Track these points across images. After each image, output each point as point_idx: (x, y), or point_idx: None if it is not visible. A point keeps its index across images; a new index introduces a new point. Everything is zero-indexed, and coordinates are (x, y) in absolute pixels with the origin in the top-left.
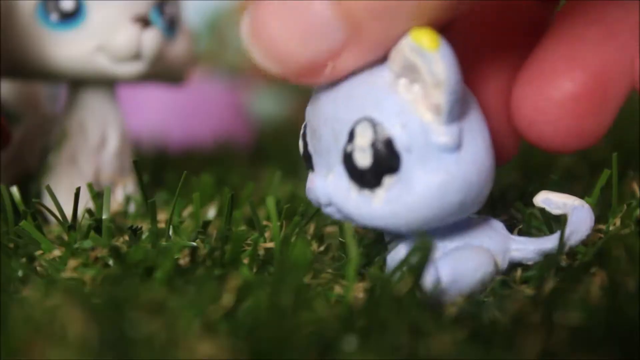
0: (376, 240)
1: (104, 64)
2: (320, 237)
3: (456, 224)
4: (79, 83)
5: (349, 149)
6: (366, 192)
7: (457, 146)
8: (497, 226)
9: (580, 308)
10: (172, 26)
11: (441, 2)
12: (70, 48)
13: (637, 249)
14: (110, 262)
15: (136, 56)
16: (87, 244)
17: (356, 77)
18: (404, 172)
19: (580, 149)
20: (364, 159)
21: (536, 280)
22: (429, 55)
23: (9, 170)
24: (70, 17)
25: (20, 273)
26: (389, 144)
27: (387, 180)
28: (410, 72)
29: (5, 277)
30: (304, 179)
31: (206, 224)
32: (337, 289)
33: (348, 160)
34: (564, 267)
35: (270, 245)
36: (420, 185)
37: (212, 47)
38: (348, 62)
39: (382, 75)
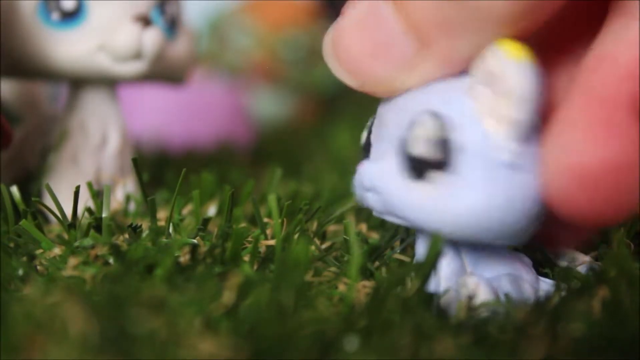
0: (380, 239)
1: (105, 64)
2: (322, 235)
3: (503, 253)
4: (80, 82)
5: (406, 136)
6: (412, 182)
7: (514, 166)
8: (528, 262)
9: (582, 320)
10: (173, 26)
11: (506, 16)
12: (71, 47)
13: (634, 271)
14: (111, 260)
15: (137, 56)
16: (87, 242)
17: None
18: (454, 173)
19: (614, 221)
20: (417, 148)
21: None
22: (511, 64)
23: (9, 170)
24: (71, 17)
25: (20, 272)
26: (445, 141)
27: (434, 175)
28: (490, 80)
29: (6, 276)
30: (306, 178)
31: (206, 221)
32: (340, 288)
33: (402, 146)
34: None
35: (271, 242)
36: (466, 191)
37: (213, 48)
38: (420, 75)
39: (461, 79)
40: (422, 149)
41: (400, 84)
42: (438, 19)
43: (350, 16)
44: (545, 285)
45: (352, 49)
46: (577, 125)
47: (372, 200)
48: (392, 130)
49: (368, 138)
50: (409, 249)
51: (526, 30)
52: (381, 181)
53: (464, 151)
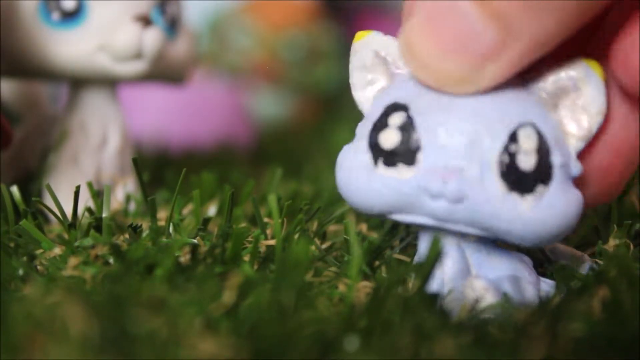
0: (380, 239)
1: (105, 64)
2: (322, 235)
3: (506, 254)
4: (80, 82)
5: (512, 149)
6: (516, 195)
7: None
8: (529, 263)
9: (583, 320)
10: (173, 26)
11: None
12: (71, 47)
13: (634, 271)
14: (111, 260)
15: (137, 55)
16: (88, 242)
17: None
18: (552, 186)
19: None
20: (527, 162)
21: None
22: (599, 83)
23: (9, 170)
24: (72, 17)
25: (21, 272)
26: (548, 154)
27: (540, 189)
28: (561, 94)
29: (6, 276)
30: (306, 178)
31: (207, 221)
32: (340, 288)
33: (507, 159)
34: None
35: (271, 242)
36: (562, 202)
37: (213, 48)
38: (507, 65)
39: (530, 91)
40: (533, 163)
41: (484, 77)
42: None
43: (419, 13)
44: (546, 285)
45: (429, 46)
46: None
47: (436, 208)
48: (474, 139)
49: (408, 141)
50: (409, 248)
51: (588, 20)
52: (478, 194)
53: (560, 165)
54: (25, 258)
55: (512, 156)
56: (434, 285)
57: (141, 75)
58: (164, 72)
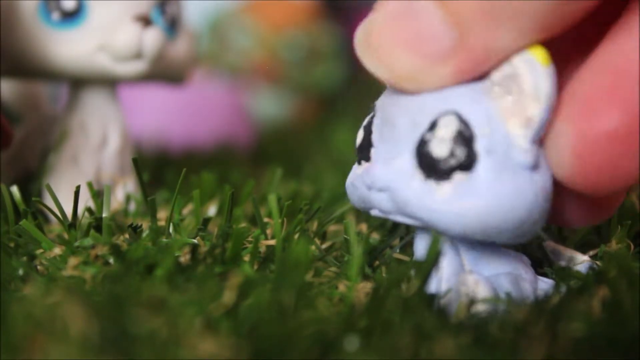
0: (380, 239)
1: (105, 63)
2: (323, 235)
3: (502, 252)
4: (80, 82)
5: (427, 137)
6: (431, 183)
7: (534, 167)
8: (527, 262)
9: (582, 320)
10: (173, 26)
11: (545, 8)
12: (71, 47)
13: (634, 271)
14: (111, 260)
15: (137, 55)
16: (88, 242)
17: None
18: (476, 174)
19: (614, 190)
20: (440, 150)
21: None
22: (540, 69)
23: (9, 170)
24: (72, 16)
25: (20, 271)
26: (470, 142)
27: (457, 176)
28: (510, 82)
29: (6, 276)
30: (306, 178)
31: (207, 221)
32: (340, 288)
33: (422, 147)
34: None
35: (271, 242)
36: (490, 191)
37: (213, 48)
38: (454, 69)
39: (478, 82)
40: (446, 150)
41: (434, 78)
42: (482, 6)
43: (384, 8)
44: (544, 284)
45: (386, 39)
46: (581, 97)
47: (380, 201)
48: (406, 130)
49: (367, 139)
50: (409, 248)
51: (559, 31)
52: (397, 182)
53: (488, 152)
54: (25, 258)
55: (426, 143)
56: (431, 285)
57: (141, 75)
58: (164, 72)
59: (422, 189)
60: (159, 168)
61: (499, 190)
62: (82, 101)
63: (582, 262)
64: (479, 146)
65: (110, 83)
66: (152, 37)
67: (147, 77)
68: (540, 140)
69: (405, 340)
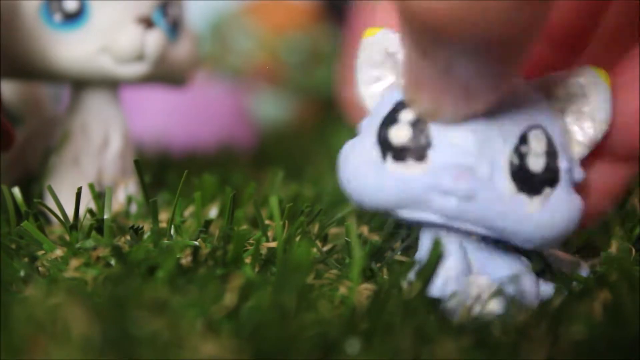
0: (382, 241)
1: (107, 65)
2: (324, 238)
3: (507, 254)
4: (82, 84)
5: (523, 150)
6: (523, 196)
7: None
8: (527, 264)
9: (583, 322)
10: (175, 28)
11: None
12: (73, 49)
13: (634, 274)
14: (112, 262)
15: (139, 57)
16: (89, 243)
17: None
18: (558, 189)
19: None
20: (537, 164)
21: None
22: (606, 90)
23: (11, 171)
24: (74, 18)
25: (22, 273)
26: (556, 158)
27: (546, 191)
28: (568, 100)
29: (8, 277)
30: (307, 180)
31: (208, 223)
32: (341, 290)
33: (519, 161)
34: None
35: (272, 245)
36: (566, 206)
37: (215, 50)
38: (467, 111)
39: (539, 96)
40: (542, 165)
41: (458, 115)
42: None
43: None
44: (546, 287)
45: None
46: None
47: (445, 204)
48: (482, 138)
49: (419, 136)
50: (410, 250)
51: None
52: (487, 192)
53: (566, 170)
54: (26, 259)
55: (523, 157)
56: (437, 284)
57: (143, 77)
58: (166, 74)
59: (515, 201)
60: (161, 170)
61: (574, 204)
62: (83, 103)
63: (582, 267)
64: (562, 163)
65: (112, 85)
66: (154, 39)
67: (148, 79)
68: None
69: (407, 342)
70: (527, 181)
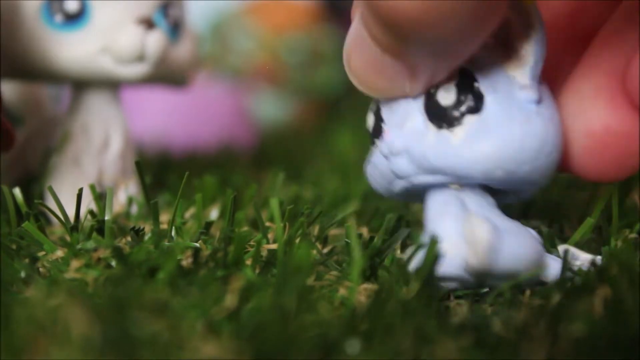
0: (382, 242)
1: (108, 66)
2: (324, 239)
3: (510, 219)
4: (83, 84)
5: (432, 90)
6: (445, 132)
7: (538, 100)
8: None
9: (584, 320)
10: (176, 29)
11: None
12: (74, 49)
13: (635, 269)
14: (113, 263)
15: (140, 58)
16: (90, 244)
17: None
18: (485, 114)
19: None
20: (447, 98)
21: (542, 294)
22: (525, 7)
23: (11, 172)
24: (75, 19)
25: (23, 274)
26: (473, 85)
27: (468, 119)
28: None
29: (8, 278)
30: (308, 181)
31: (209, 225)
32: (341, 291)
33: (430, 100)
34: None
35: (273, 246)
36: (501, 127)
37: (216, 50)
38: (422, 83)
39: None
40: (453, 97)
41: (404, 91)
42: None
43: (350, 33)
44: (554, 262)
45: (356, 64)
46: (584, 94)
47: (401, 166)
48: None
49: (378, 117)
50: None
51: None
52: (413, 140)
53: (491, 92)
54: (27, 260)
55: (432, 96)
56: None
57: (143, 78)
58: (167, 75)
59: (437, 139)
60: (161, 171)
61: (509, 124)
62: (84, 103)
63: (583, 259)
64: (482, 87)
65: (112, 85)
66: (154, 40)
67: (149, 80)
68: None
69: (407, 343)
70: (443, 116)
